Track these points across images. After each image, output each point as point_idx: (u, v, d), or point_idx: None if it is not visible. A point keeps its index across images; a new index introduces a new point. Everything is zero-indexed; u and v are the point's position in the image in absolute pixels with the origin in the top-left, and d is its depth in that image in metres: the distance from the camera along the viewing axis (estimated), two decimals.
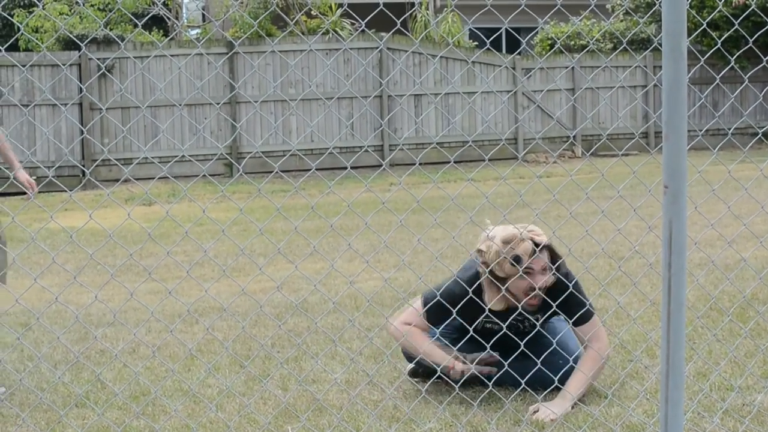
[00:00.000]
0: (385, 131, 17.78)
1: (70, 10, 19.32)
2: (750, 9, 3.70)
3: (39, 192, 5.31)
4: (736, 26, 3.53)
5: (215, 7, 22.14)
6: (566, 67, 19.05)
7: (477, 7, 19.77)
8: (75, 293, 7.12)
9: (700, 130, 17.33)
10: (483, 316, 4.25)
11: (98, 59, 16.71)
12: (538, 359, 4.13)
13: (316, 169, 4.39)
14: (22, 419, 4.12)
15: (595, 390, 4.30)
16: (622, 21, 20.69)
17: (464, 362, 4.23)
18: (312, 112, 17.64)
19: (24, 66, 16.20)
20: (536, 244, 4.11)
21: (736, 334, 5.09)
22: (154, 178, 5.75)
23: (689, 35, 2.64)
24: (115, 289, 7.20)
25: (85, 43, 16.19)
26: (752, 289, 5.99)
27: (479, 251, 4.18)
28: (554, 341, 4.22)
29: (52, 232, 10.53)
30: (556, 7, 3.65)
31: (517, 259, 4.09)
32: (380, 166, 16.53)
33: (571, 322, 4.18)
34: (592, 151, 5.68)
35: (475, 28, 11.81)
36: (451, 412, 4.11)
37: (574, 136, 18.80)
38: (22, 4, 19.77)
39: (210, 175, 16.73)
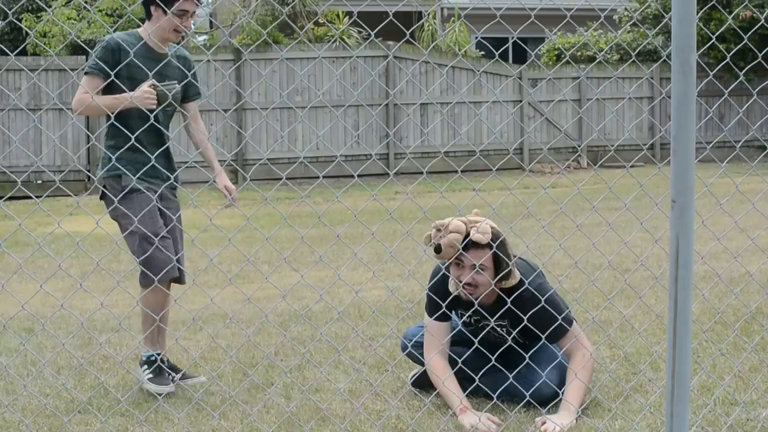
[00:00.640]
0: (391, 140, 17.78)
1: (78, 15, 19.35)
2: (759, 23, 3.69)
3: (45, 196, 5.28)
4: (745, 40, 3.52)
5: (223, 14, 22.19)
6: (573, 78, 19.06)
7: (484, 16, 19.78)
8: (79, 298, 7.12)
9: (707, 143, 17.34)
10: (465, 310, 4.33)
11: None
12: (533, 376, 4.18)
13: (322, 177, 4.40)
14: (25, 425, 4.12)
15: (599, 403, 4.28)
16: (629, 32, 20.70)
17: (473, 412, 4.19)
18: (318, 120, 17.65)
19: (32, 71, 16.24)
20: (472, 241, 4.12)
21: (740, 348, 5.08)
22: None
23: (697, 48, 2.64)
24: (119, 294, 7.20)
25: (95, 50, 16.20)
26: (757, 304, 5.98)
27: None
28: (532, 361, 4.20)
29: (56, 237, 10.54)
30: (566, 20, 3.65)
31: (437, 249, 4.16)
32: (386, 174, 16.53)
33: (544, 337, 4.15)
34: (600, 164, 5.70)
35: (482, 38, 11.82)
36: (454, 423, 4.10)
37: (580, 147, 18.80)
38: (30, 8, 19.80)
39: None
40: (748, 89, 18.52)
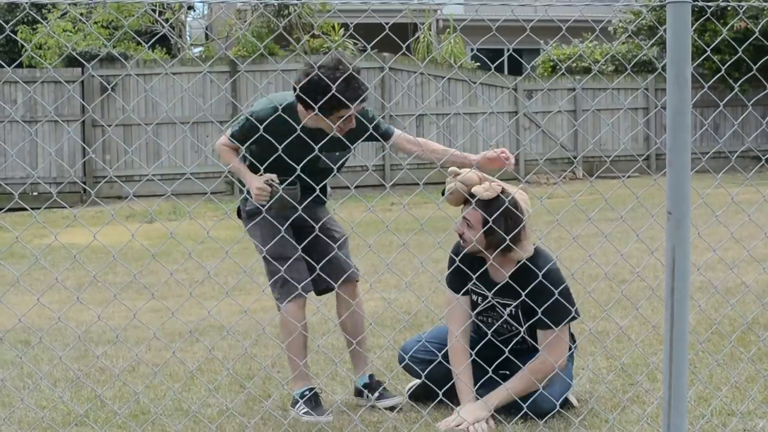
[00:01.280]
0: (387, 152, 17.78)
1: (73, 28, 19.38)
2: (754, 36, 3.71)
3: (39, 208, 5.17)
4: (740, 52, 3.54)
5: (219, 26, 22.23)
6: (569, 90, 19.10)
7: (479, 28, 19.83)
8: (75, 310, 7.11)
9: (702, 153, 17.36)
10: (471, 283, 4.33)
11: (101, 76, 16.76)
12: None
13: (318, 189, 4.39)
14: None
15: (596, 414, 4.29)
16: (624, 44, 20.76)
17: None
18: None
19: (27, 83, 16.24)
20: (472, 194, 4.20)
21: (737, 359, 5.08)
22: (156, 196, 5.77)
23: (691, 60, 2.66)
24: (115, 307, 7.19)
25: (92, 64, 16.23)
26: (754, 314, 5.99)
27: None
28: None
29: (52, 249, 10.53)
30: (561, 33, 3.66)
31: (443, 192, 4.31)
32: (382, 186, 16.54)
33: (539, 312, 4.10)
34: (595, 175, 5.71)
35: (478, 50, 11.84)
36: None
37: (576, 159, 18.83)
38: (25, 20, 19.82)
39: (212, 194, 16.72)
40: (743, 100, 18.58)
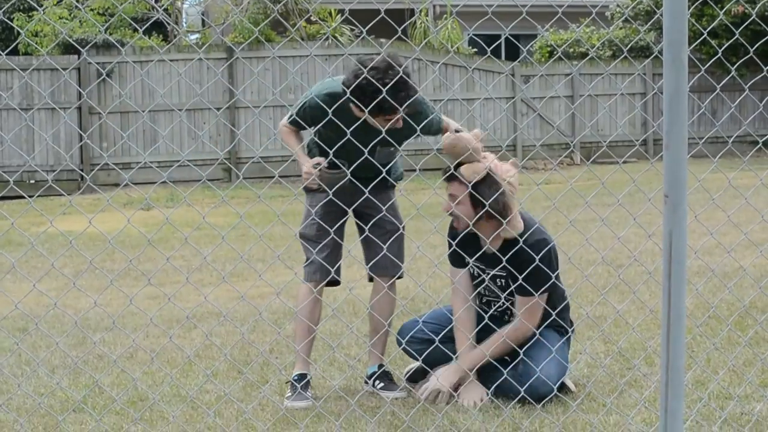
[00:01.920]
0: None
1: (69, 15, 19.31)
2: (750, 18, 3.70)
3: (37, 196, 5.07)
4: (737, 36, 3.53)
5: (215, 12, 22.16)
6: (566, 75, 19.06)
7: (476, 13, 19.77)
8: (73, 297, 7.11)
9: (699, 138, 17.35)
10: (475, 257, 4.43)
11: (98, 63, 16.71)
12: (530, 371, 4.23)
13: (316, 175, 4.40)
14: (20, 424, 4.11)
15: (593, 398, 4.29)
16: (621, 29, 20.72)
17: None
18: None
19: (24, 70, 16.20)
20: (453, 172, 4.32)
21: (734, 342, 5.09)
22: (152, 183, 5.76)
23: (689, 44, 2.65)
24: (113, 293, 7.19)
25: (86, 49, 16.20)
26: (751, 298, 5.99)
27: None
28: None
29: (50, 236, 10.52)
30: (557, 16, 3.65)
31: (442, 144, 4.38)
32: None
33: (513, 285, 4.29)
34: (592, 159, 5.69)
35: (475, 35, 11.82)
36: (449, 419, 4.11)
37: (573, 144, 18.81)
38: (21, 8, 19.75)
39: (209, 180, 16.72)
40: (740, 84, 18.55)
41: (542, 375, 4.20)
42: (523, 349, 4.26)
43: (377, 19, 3.73)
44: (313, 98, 4.32)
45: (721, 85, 4.09)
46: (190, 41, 21.70)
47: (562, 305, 4.47)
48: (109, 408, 4.36)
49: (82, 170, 16.58)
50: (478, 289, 4.54)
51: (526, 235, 4.27)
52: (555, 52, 20.25)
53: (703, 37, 3.50)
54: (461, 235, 4.39)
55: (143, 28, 20.24)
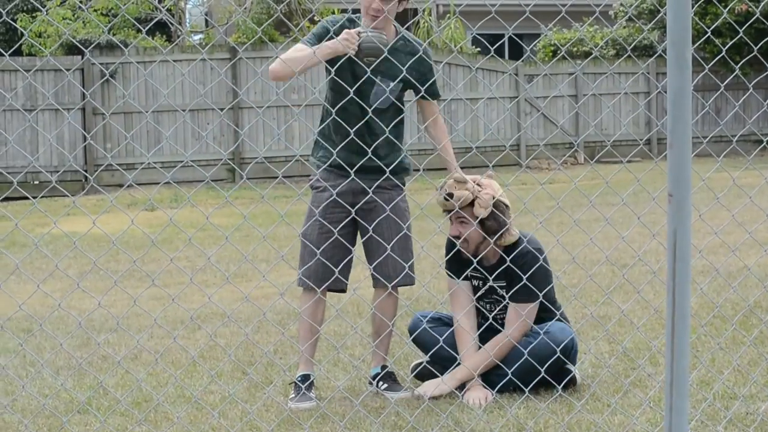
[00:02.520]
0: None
1: (73, 15, 19.33)
2: (754, 17, 3.69)
3: (41, 197, 5.06)
4: (741, 34, 3.52)
5: (218, 12, 22.17)
6: (569, 74, 19.05)
7: (480, 13, 19.76)
8: (77, 298, 7.11)
9: (704, 137, 17.32)
10: (471, 269, 4.49)
11: (101, 64, 16.72)
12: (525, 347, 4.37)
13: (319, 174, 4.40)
14: (24, 425, 4.11)
15: (598, 398, 4.29)
16: (624, 27, 20.69)
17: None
18: (315, 118, 17.63)
19: (27, 71, 16.21)
20: (449, 197, 4.40)
21: (739, 342, 5.08)
22: (156, 183, 5.76)
23: (692, 42, 2.64)
24: (117, 294, 7.19)
25: (89, 49, 16.21)
26: (756, 297, 5.98)
27: None
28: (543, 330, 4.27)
29: (54, 237, 10.53)
30: (560, 15, 3.64)
31: (444, 200, 4.44)
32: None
33: (508, 295, 4.38)
34: (596, 159, 5.68)
35: (478, 34, 11.80)
36: (453, 420, 4.10)
37: (576, 143, 18.80)
38: (24, 8, 19.78)
39: (213, 181, 16.69)
40: (744, 83, 18.51)
41: (554, 329, 4.38)
42: (490, 341, 4.47)
43: (380, 18, 3.72)
44: (326, 22, 4.52)
45: (725, 84, 4.08)
46: (194, 41, 21.72)
47: (558, 313, 4.58)
48: (114, 409, 4.36)
49: (86, 171, 16.59)
50: (479, 296, 4.61)
51: (521, 246, 4.42)
52: (558, 51, 20.24)
53: (707, 36, 3.49)
54: (461, 250, 4.51)
55: (146, 28, 20.25)
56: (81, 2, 19.01)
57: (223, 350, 5.40)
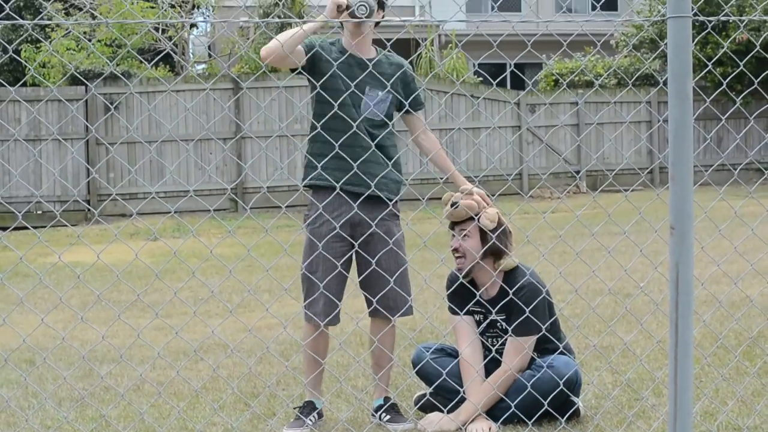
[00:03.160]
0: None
1: (77, 46, 19.43)
2: (755, 50, 3.71)
3: (43, 227, 5.05)
4: (741, 67, 3.54)
5: (221, 42, 22.29)
6: (571, 103, 19.10)
7: (481, 42, 19.87)
8: (79, 329, 7.11)
9: (704, 166, 17.35)
10: (472, 303, 4.51)
11: (105, 95, 16.79)
12: (529, 380, 4.33)
13: (321, 207, 4.40)
14: None
15: (602, 430, 4.28)
16: (626, 57, 20.78)
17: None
18: None
19: (31, 101, 16.28)
20: (454, 205, 4.44)
21: (743, 373, 5.07)
22: (159, 213, 5.77)
23: (693, 70, 2.66)
24: (119, 325, 7.19)
25: (95, 84, 16.28)
26: (759, 328, 5.97)
27: None
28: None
29: (57, 267, 10.54)
30: (562, 49, 3.67)
31: (450, 208, 4.46)
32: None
33: (510, 328, 4.40)
34: (599, 189, 5.66)
35: (480, 64, 11.85)
36: None
37: (578, 172, 18.82)
38: (29, 39, 19.88)
39: (215, 210, 16.70)
40: (746, 112, 18.55)
41: (558, 363, 4.36)
42: (491, 377, 4.46)
43: (383, 52, 3.74)
44: (313, 38, 4.52)
45: (726, 115, 4.10)
46: (197, 72, 21.81)
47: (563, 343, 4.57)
48: None
49: (89, 202, 16.62)
50: (481, 330, 4.61)
51: (521, 279, 4.41)
52: (560, 82, 20.31)
53: (708, 68, 3.51)
54: (461, 282, 4.54)
55: (151, 60, 20.35)
56: (85, 33, 19.12)
57: (225, 382, 5.39)
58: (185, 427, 4.57)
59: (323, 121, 4.44)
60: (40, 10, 21.51)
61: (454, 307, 4.62)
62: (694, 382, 3.60)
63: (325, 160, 4.53)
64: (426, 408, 4.64)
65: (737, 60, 4.06)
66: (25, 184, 16.09)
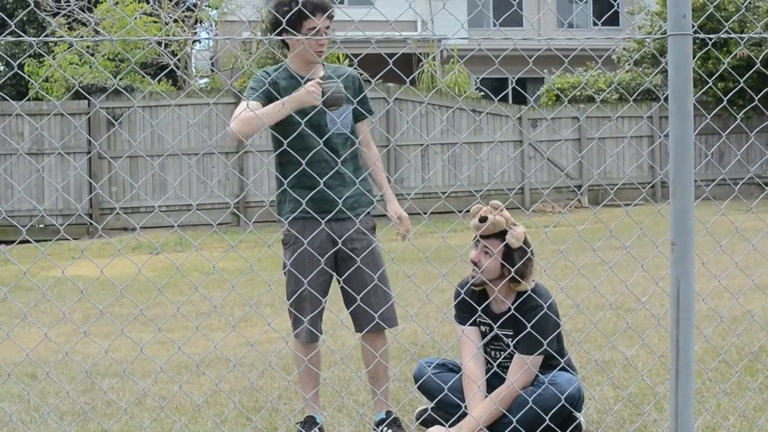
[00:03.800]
0: (392, 182, 17.83)
1: (80, 60, 19.49)
2: (756, 66, 3.73)
3: (45, 240, 5.08)
4: (741, 83, 3.56)
5: (223, 57, 22.34)
6: (572, 118, 19.13)
7: (483, 57, 19.94)
8: (82, 343, 7.11)
9: (705, 181, 17.36)
10: (477, 315, 4.52)
11: (107, 109, 16.84)
12: (531, 396, 4.32)
13: (324, 223, 4.40)
14: None
15: None
16: (627, 72, 20.82)
17: None
18: None
19: (34, 116, 16.32)
20: (482, 220, 4.42)
21: (745, 387, 5.07)
22: (161, 227, 5.78)
23: (694, 86, 2.68)
24: (122, 339, 7.19)
25: (99, 100, 16.31)
26: (761, 343, 5.98)
27: None
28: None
29: (59, 281, 10.55)
30: (564, 66, 3.69)
31: (478, 222, 4.45)
32: (385, 216, 16.55)
33: (513, 341, 4.41)
34: (601, 204, 5.68)
35: (482, 79, 11.90)
36: None
37: (580, 187, 18.84)
38: (32, 54, 19.96)
39: (217, 225, 16.70)
40: (748, 126, 18.58)
41: (561, 380, 4.34)
42: (494, 392, 4.43)
43: (386, 69, 3.77)
44: (260, 73, 4.56)
45: (728, 131, 4.11)
46: (199, 86, 21.87)
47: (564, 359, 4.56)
48: None
49: (91, 215, 16.65)
50: (486, 343, 4.60)
51: (531, 298, 4.39)
52: (561, 98, 20.35)
53: (709, 85, 3.53)
54: (471, 292, 4.55)
55: (153, 74, 20.40)
56: (88, 48, 19.17)
57: (227, 396, 5.39)
58: None
59: (290, 156, 4.42)
60: (44, 24, 21.59)
61: (460, 315, 4.61)
62: (696, 397, 3.61)
63: (302, 189, 4.53)
64: (427, 423, 4.65)
65: (737, 77, 4.08)
66: (27, 198, 16.12)
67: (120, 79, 18.59)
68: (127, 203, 16.99)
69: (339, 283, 4.60)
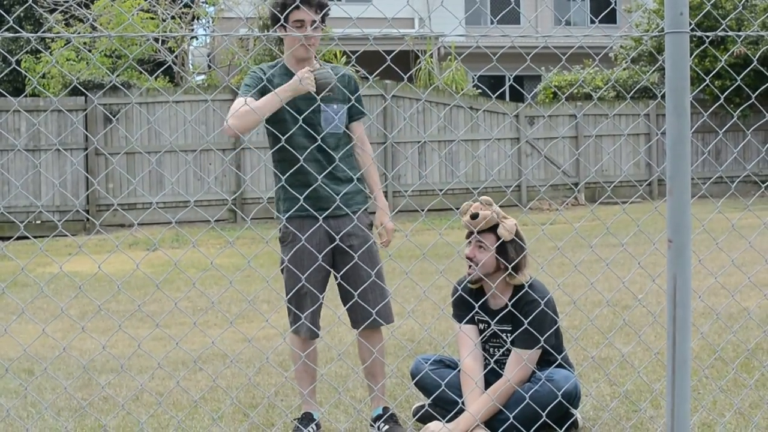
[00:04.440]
0: (389, 179, 17.82)
1: (77, 56, 19.48)
2: (753, 64, 3.74)
3: (42, 236, 5.08)
4: (739, 81, 3.58)
5: (221, 53, 22.34)
6: (570, 116, 19.14)
7: (481, 54, 19.93)
8: (79, 339, 7.12)
9: (702, 179, 17.37)
10: (474, 312, 4.52)
11: (105, 105, 16.82)
12: (528, 392, 4.32)
13: (321, 220, 4.40)
14: None
15: None
16: (625, 69, 20.83)
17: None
18: None
19: (30, 111, 16.31)
20: (474, 216, 4.45)
21: (741, 385, 5.08)
22: (158, 223, 5.78)
23: (691, 84, 2.69)
24: (118, 335, 7.20)
25: (97, 96, 16.30)
26: (757, 340, 5.99)
27: None
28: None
29: (56, 277, 10.54)
30: (561, 63, 3.69)
31: (469, 219, 4.48)
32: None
33: (511, 336, 4.43)
34: (598, 202, 5.68)
35: (479, 76, 11.90)
36: None
37: (577, 184, 18.84)
38: (29, 49, 19.93)
39: (214, 221, 16.68)
40: (745, 123, 18.60)
41: (558, 376, 4.35)
42: (491, 387, 4.44)
43: (383, 66, 3.77)
44: (256, 69, 4.54)
45: (724, 129, 4.12)
46: (196, 82, 21.85)
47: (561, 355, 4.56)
48: None
49: (88, 212, 16.64)
50: (484, 339, 4.62)
51: (529, 294, 4.39)
52: (558, 96, 20.36)
53: (706, 83, 3.54)
54: (468, 289, 4.56)
55: (150, 70, 20.38)
56: (85, 44, 19.16)
57: (224, 392, 5.40)
58: None
59: (285, 154, 4.45)
60: (41, 21, 21.57)
61: (458, 314, 4.63)
62: (692, 394, 3.62)
63: (298, 187, 4.54)
64: (424, 419, 4.66)
65: (734, 75, 4.09)
66: (25, 193, 16.10)
67: (117, 76, 18.57)
68: (124, 199, 16.97)
69: (336, 280, 4.61)
